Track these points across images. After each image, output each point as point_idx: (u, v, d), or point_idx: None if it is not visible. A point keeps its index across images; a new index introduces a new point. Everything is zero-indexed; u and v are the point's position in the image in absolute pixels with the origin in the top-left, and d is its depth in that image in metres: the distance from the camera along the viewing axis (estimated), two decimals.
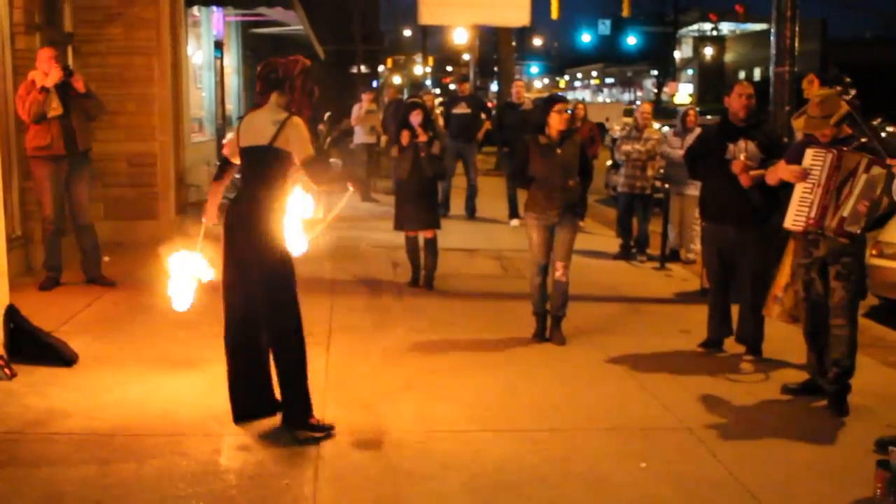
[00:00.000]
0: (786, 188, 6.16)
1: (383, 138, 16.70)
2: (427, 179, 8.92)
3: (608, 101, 72.03)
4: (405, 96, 23.95)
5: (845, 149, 5.77)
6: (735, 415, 5.76)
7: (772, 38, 8.77)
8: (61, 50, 10.29)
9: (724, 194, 6.77)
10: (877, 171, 5.62)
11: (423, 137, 8.84)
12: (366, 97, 16.70)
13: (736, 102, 6.85)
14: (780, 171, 6.12)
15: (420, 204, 8.94)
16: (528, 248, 7.35)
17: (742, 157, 6.64)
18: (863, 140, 5.84)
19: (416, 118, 8.94)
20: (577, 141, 7.26)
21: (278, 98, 5.28)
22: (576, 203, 7.29)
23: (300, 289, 5.27)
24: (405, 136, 8.85)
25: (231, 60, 18.01)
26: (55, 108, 8.08)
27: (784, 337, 7.00)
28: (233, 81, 18.20)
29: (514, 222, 13.06)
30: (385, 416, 5.52)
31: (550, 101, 7.29)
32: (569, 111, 7.25)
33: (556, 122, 7.11)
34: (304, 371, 5.23)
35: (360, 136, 16.48)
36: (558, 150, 7.11)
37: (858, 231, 5.71)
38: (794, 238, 6.18)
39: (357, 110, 16.50)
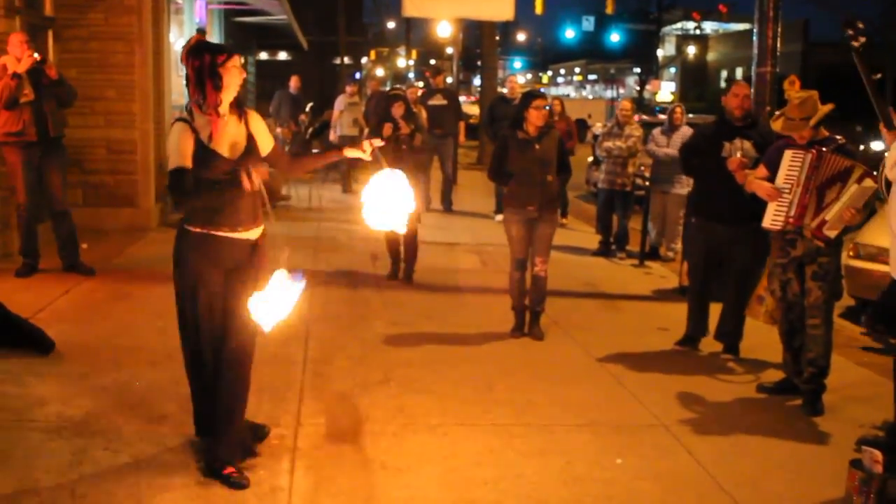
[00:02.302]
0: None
1: (365, 131, 16.67)
2: (408, 172, 8.91)
3: (590, 97, 72.11)
4: (388, 88, 23.91)
5: (824, 149, 5.81)
6: (711, 412, 5.79)
7: (754, 38, 8.80)
8: (42, 34, 10.23)
9: (718, 192, 6.79)
10: (868, 183, 5.64)
11: (404, 130, 8.83)
12: (349, 89, 16.67)
13: (732, 101, 6.91)
14: (753, 186, 6.14)
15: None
16: (508, 242, 7.36)
17: (738, 154, 6.67)
18: (840, 141, 5.89)
19: (397, 111, 8.93)
20: (555, 136, 7.26)
21: None
22: (555, 198, 7.31)
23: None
24: (387, 129, 8.84)
25: None
26: (27, 94, 8.01)
27: (761, 336, 7.05)
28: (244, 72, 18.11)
29: (500, 217, 13.05)
30: (362, 409, 5.52)
31: (529, 97, 7.29)
32: (547, 107, 7.25)
33: (534, 118, 7.11)
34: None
35: (343, 129, 16.45)
36: (537, 146, 7.12)
37: (834, 236, 5.74)
38: (771, 238, 6.21)
39: (340, 102, 16.46)
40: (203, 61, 4.24)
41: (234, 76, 4.31)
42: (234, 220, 4.38)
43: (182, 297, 4.46)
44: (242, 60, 4.55)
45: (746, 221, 6.70)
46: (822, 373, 5.87)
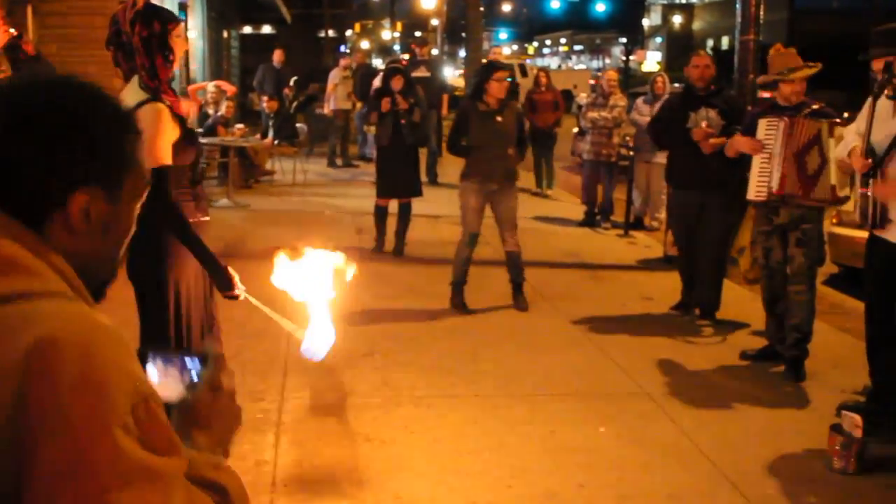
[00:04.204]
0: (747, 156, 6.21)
1: (357, 104, 16.62)
2: (408, 147, 8.88)
3: (577, 67, 71.89)
4: (372, 61, 23.77)
5: (796, 116, 5.84)
6: (694, 380, 5.83)
7: (738, 6, 8.78)
8: (20, 9, 10.13)
9: (688, 161, 6.86)
10: (839, 130, 5.71)
11: (403, 105, 8.76)
12: (343, 62, 16.61)
13: (693, 73, 6.99)
14: (737, 144, 6.18)
15: (402, 172, 8.91)
16: (462, 215, 7.29)
17: (703, 124, 6.73)
18: (814, 106, 5.91)
19: (396, 84, 8.85)
20: (514, 108, 7.24)
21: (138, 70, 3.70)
22: (514, 171, 7.31)
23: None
24: (385, 104, 8.78)
25: (196, 23, 17.77)
26: (4, 71, 7.93)
27: (743, 303, 7.09)
28: (198, 45, 17.99)
29: None
30: (346, 382, 5.54)
31: (490, 68, 7.23)
32: (508, 79, 7.21)
33: (495, 90, 7.05)
34: None
35: (337, 102, 16.36)
36: (498, 118, 7.08)
37: (846, 194, 5.78)
38: (753, 206, 6.24)
39: (334, 76, 16.35)
40: (153, 30, 3.64)
41: (181, 47, 3.77)
42: (205, 204, 3.97)
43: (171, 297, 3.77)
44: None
45: (716, 189, 6.77)
46: (806, 338, 5.91)
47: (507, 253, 7.27)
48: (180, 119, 3.71)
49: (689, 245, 7.15)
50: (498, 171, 7.08)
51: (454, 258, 7.32)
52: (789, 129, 5.81)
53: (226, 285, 3.54)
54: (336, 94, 16.26)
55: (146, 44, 3.63)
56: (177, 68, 3.82)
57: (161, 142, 3.58)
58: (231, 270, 3.56)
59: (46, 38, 10.25)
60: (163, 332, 3.71)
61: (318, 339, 3.48)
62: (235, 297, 3.55)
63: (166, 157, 3.57)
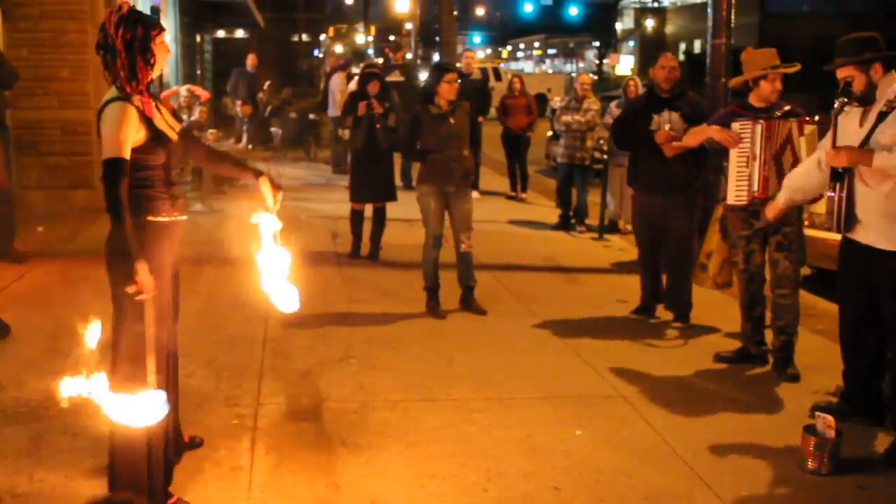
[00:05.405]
0: (710, 156, 6.23)
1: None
2: (383, 151, 8.87)
3: (550, 71, 72.07)
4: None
5: (773, 118, 5.88)
6: (668, 382, 5.85)
7: (709, 9, 8.84)
8: None
9: (651, 164, 6.90)
10: (809, 128, 5.78)
11: (378, 109, 8.76)
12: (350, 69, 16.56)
13: (659, 74, 6.99)
14: (711, 131, 6.16)
15: (377, 176, 8.90)
16: (424, 219, 7.27)
17: (666, 127, 6.77)
18: (786, 108, 5.96)
19: (372, 88, 8.85)
20: (466, 109, 7.26)
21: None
22: (470, 172, 7.34)
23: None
24: (361, 108, 8.77)
25: (169, 27, 17.69)
26: None
27: (714, 304, 7.12)
28: (170, 49, 17.92)
29: (475, 195, 13.00)
30: (322, 387, 5.52)
31: (440, 71, 7.24)
32: (458, 81, 7.24)
33: (446, 92, 7.08)
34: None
35: (338, 109, 16.21)
36: (451, 120, 7.10)
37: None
38: (731, 211, 6.25)
39: (336, 83, 16.17)
40: (136, 33, 3.80)
41: (163, 53, 3.93)
42: (182, 202, 4.10)
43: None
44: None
45: (680, 191, 6.81)
46: (792, 339, 5.99)
47: (461, 255, 7.26)
48: (148, 121, 3.87)
49: (651, 248, 7.18)
50: (455, 172, 7.09)
51: (422, 263, 7.32)
52: (767, 131, 5.85)
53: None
54: (339, 102, 16.09)
55: (128, 46, 3.80)
56: (158, 72, 3.97)
57: (119, 135, 3.74)
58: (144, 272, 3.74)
59: (17, 42, 10.22)
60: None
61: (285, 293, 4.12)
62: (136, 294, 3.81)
63: (122, 151, 3.73)
